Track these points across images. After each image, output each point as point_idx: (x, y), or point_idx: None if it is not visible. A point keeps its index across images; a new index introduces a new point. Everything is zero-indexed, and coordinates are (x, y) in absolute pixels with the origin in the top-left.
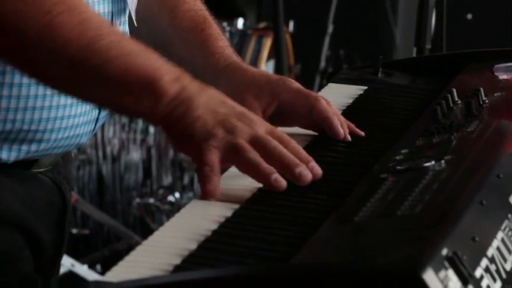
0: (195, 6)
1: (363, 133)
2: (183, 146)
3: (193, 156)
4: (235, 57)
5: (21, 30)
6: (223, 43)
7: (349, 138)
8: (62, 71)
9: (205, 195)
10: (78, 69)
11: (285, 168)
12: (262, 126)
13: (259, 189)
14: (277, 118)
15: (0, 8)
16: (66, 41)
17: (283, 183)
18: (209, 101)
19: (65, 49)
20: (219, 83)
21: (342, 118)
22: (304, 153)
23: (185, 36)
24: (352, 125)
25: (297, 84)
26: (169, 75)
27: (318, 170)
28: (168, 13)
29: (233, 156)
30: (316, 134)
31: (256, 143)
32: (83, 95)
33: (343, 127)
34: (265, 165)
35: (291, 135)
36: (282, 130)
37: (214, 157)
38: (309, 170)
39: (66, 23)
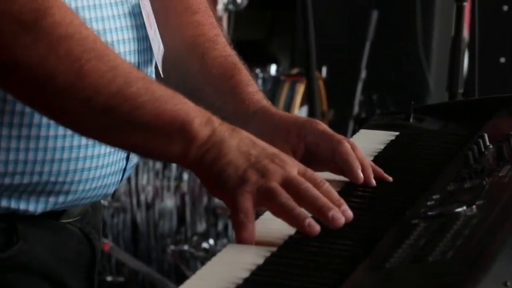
0: (224, 52)
1: (391, 178)
2: (216, 191)
3: (226, 201)
4: (265, 102)
5: (51, 79)
6: (253, 89)
7: (373, 183)
8: (92, 118)
9: (241, 243)
10: (109, 116)
11: (318, 211)
12: (294, 167)
13: (291, 236)
14: (306, 162)
15: (29, 60)
16: (96, 88)
17: (317, 227)
18: (240, 143)
19: (96, 97)
20: (249, 128)
21: (367, 162)
22: (336, 196)
23: (215, 83)
24: (381, 171)
25: (323, 126)
26: (200, 119)
27: (350, 214)
28: (198, 60)
29: (267, 200)
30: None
31: (289, 185)
32: (114, 142)
33: (366, 171)
34: (298, 209)
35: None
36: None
37: (248, 203)
38: (341, 213)
39: (95, 70)
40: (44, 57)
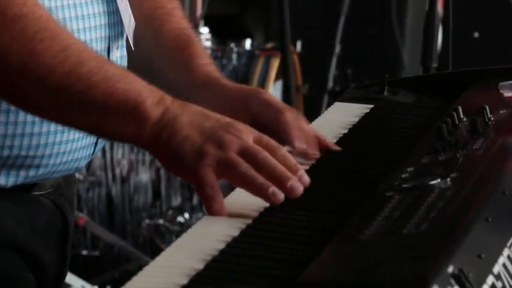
0: (180, 24)
1: (338, 148)
2: (175, 169)
3: (188, 178)
4: (216, 74)
5: (4, 59)
6: (205, 60)
7: (316, 153)
8: (47, 98)
9: (213, 215)
10: (62, 96)
11: (276, 182)
12: (250, 135)
13: (266, 208)
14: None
15: None
16: (49, 68)
17: (281, 196)
18: (193, 118)
19: (49, 76)
20: (199, 99)
21: (312, 134)
22: (293, 161)
23: (169, 55)
24: (329, 142)
25: (268, 95)
26: (152, 98)
27: (307, 179)
28: (153, 32)
29: (227, 172)
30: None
31: (247, 154)
32: (69, 122)
33: (310, 142)
34: (260, 179)
35: None
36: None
37: (211, 176)
38: (298, 180)
39: (49, 50)
40: None
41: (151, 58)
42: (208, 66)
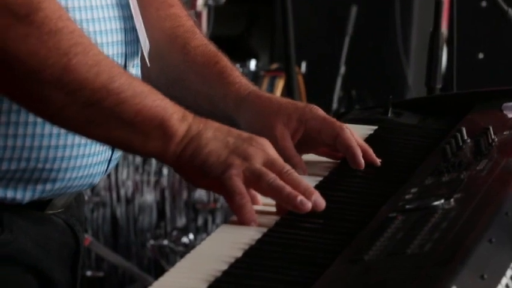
0: (204, 41)
1: (378, 162)
2: (201, 182)
3: (215, 189)
4: (254, 86)
5: (38, 72)
6: (238, 73)
7: (377, 162)
8: (76, 111)
9: (246, 223)
10: (92, 110)
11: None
12: (271, 149)
13: (269, 229)
14: (302, 144)
15: (19, 52)
16: (81, 82)
17: (309, 205)
18: (216, 133)
19: (80, 90)
20: (243, 110)
21: (366, 146)
22: (304, 183)
23: (201, 70)
24: (374, 157)
25: (322, 112)
26: (177, 115)
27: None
28: (180, 50)
29: (255, 181)
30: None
31: (272, 166)
32: (95, 135)
33: (367, 154)
34: (288, 188)
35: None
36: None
37: (240, 185)
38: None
39: (82, 64)
40: (34, 50)
41: (179, 74)
42: (244, 78)
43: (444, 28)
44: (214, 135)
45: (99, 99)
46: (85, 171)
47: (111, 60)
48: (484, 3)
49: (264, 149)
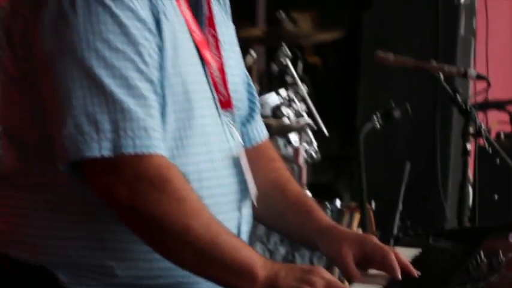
0: (297, 187)
1: (415, 272)
2: None
3: None
4: (332, 221)
5: (166, 229)
6: (322, 213)
7: (414, 273)
8: (190, 257)
9: None
10: (202, 257)
11: None
12: (328, 275)
13: None
14: (363, 261)
15: (154, 212)
16: (197, 236)
17: None
18: (287, 272)
19: (196, 243)
20: (323, 238)
21: (405, 262)
22: None
23: (294, 209)
24: (412, 269)
25: (376, 239)
26: (260, 262)
27: None
28: (280, 193)
29: None
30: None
31: (330, 285)
32: (200, 273)
33: (406, 268)
34: None
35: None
36: None
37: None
38: None
39: (199, 223)
40: (165, 212)
41: (279, 210)
42: (326, 216)
43: (470, 175)
44: (286, 274)
45: (208, 250)
46: None
47: (219, 222)
48: (497, 161)
49: (322, 276)
